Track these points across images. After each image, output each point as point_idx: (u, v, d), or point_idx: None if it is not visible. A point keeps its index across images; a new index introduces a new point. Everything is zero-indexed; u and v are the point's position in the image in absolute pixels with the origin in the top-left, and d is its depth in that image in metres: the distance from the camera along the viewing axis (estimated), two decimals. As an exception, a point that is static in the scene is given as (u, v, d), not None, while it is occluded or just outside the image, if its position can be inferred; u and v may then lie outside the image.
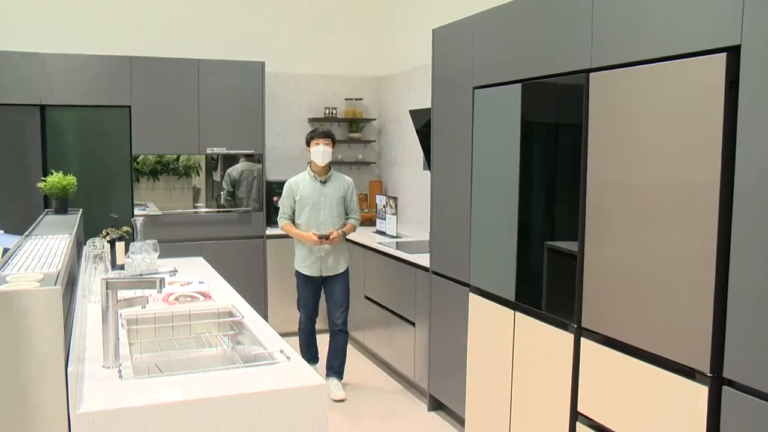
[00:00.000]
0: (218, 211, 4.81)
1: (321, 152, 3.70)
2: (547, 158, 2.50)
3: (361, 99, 5.69)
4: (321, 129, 3.77)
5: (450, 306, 3.28)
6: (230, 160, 4.79)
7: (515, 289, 2.70)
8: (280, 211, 3.81)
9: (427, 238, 3.70)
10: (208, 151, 4.69)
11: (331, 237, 3.67)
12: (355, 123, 5.66)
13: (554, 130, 2.47)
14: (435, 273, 3.43)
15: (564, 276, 2.39)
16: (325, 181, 3.75)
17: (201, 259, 3.64)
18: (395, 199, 4.74)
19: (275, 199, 5.05)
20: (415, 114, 4.40)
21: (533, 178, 2.58)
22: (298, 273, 3.83)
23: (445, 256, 3.31)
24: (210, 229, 4.73)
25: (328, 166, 3.78)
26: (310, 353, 3.89)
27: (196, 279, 2.98)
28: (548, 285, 2.50)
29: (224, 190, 4.78)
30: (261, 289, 4.89)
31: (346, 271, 3.85)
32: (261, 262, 4.87)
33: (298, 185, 3.75)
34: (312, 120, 5.57)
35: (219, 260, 4.63)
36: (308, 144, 3.77)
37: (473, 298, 3.01)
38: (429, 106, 3.51)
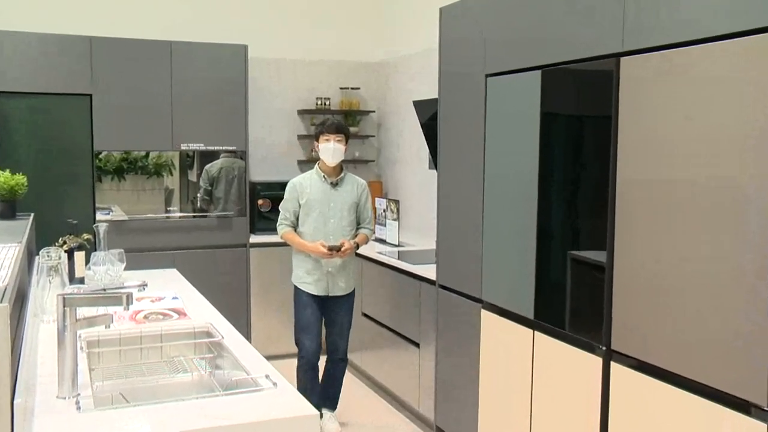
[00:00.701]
0: (195, 216, 4.81)
1: (332, 150, 3.59)
2: (571, 155, 2.50)
3: (358, 88, 5.70)
4: (332, 121, 3.65)
5: (459, 325, 3.29)
6: (208, 157, 4.80)
7: (534, 305, 2.70)
8: (280, 216, 3.70)
9: (433, 247, 3.70)
10: (183, 148, 4.69)
11: (342, 249, 3.56)
12: (350, 116, 5.67)
13: (579, 123, 2.48)
14: (442, 287, 3.43)
15: (590, 290, 2.39)
16: (337, 184, 3.64)
17: (174, 271, 3.64)
18: (397, 202, 4.74)
19: (260, 202, 5.08)
20: (420, 105, 4.42)
21: (555, 177, 2.59)
22: (299, 291, 3.68)
23: (454, 268, 3.32)
24: (185, 236, 4.73)
25: (340, 166, 3.69)
26: (313, 398, 3.61)
27: (169, 294, 2.99)
28: (572, 301, 2.50)
29: (201, 189, 4.78)
30: (243, 306, 4.89)
31: (354, 292, 3.78)
32: (244, 274, 4.87)
33: (304, 187, 3.64)
34: (302, 112, 5.58)
35: (195, 272, 4.62)
36: (317, 139, 3.66)
37: (486, 315, 3.02)
38: (435, 96, 3.49)
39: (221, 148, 4.78)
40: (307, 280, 3.65)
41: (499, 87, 2.89)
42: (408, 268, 3.91)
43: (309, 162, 5.64)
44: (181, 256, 4.65)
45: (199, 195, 4.80)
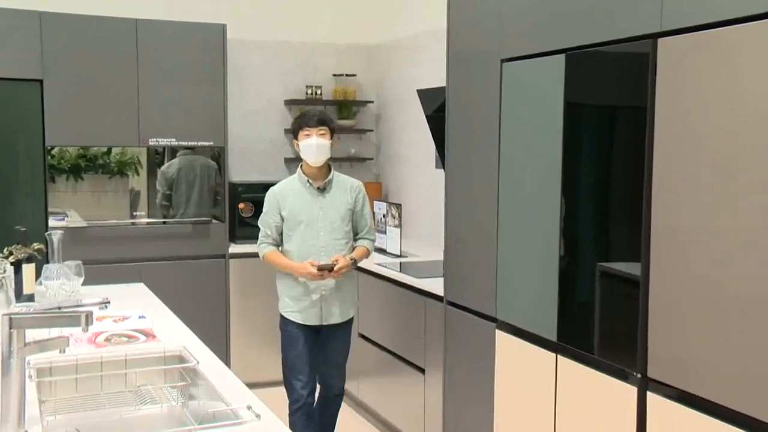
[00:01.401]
0: (165, 223, 4.82)
1: (314, 147, 3.50)
2: (600, 151, 2.51)
3: (354, 75, 5.72)
4: (312, 113, 3.59)
5: (471, 347, 3.29)
6: (189, 156, 4.85)
7: (557, 325, 2.70)
8: (260, 234, 3.61)
9: (441, 258, 3.69)
10: (151, 143, 4.70)
11: (336, 267, 3.46)
12: (346, 107, 5.68)
13: (609, 115, 2.49)
14: (451, 303, 3.45)
15: (623, 309, 2.38)
16: (324, 188, 3.56)
17: (142, 285, 3.65)
18: (399, 206, 4.74)
19: (241, 206, 5.09)
20: (425, 95, 4.40)
21: (581, 178, 2.60)
22: (287, 322, 3.60)
23: (465, 282, 3.33)
24: (154, 245, 4.74)
25: (327, 166, 3.62)
26: None
27: (135, 313, 2.99)
28: (602, 321, 2.50)
29: (159, 194, 4.81)
30: (222, 326, 4.90)
31: (351, 319, 3.70)
32: (222, 289, 4.88)
33: (286, 196, 3.56)
34: (290, 102, 5.59)
35: (166, 287, 4.56)
36: (295, 135, 3.60)
37: (501, 336, 3.02)
38: (443, 84, 3.49)
39: (196, 143, 4.80)
40: (296, 307, 3.57)
41: (517, 74, 2.89)
42: (411, 281, 3.91)
43: (298, 160, 5.64)
44: (149, 269, 4.65)
45: (157, 201, 4.82)
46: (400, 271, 4.11)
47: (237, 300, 4.97)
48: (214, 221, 4.92)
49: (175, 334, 2.68)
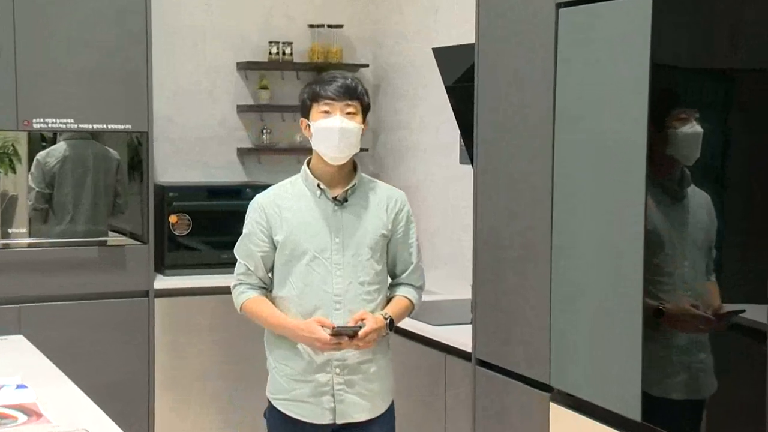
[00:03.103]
0: (57, 243, 4.80)
1: (338, 132, 3.31)
2: (707, 134, 2.47)
3: (339, 26, 5.74)
4: (336, 78, 3.39)
5: (512, 425, 3.30)
6: (79, 142, 4.83)
7: (642, 399, 2.68)
8: (237, 270, 3.47)
9: (467, 296, 3.69)
10: (36, 126, 4.70)
11: (362, 332, 3.24)
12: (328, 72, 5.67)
13: (722, 80, 2.48)
14: (483, 363, 3.46)
15: (741, 375, 2.37)
16: (346, 200, 3.42)
17: (21, 338, 3.61)
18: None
19: (173, 220, 5.07)
20: (444, 55, 4.38)
21: (674, 173, 2.61)
22: (278, 416, 3.43)
23: (503, 332, 3.33)
24: (40, 278, 4.72)
25: (353, 166, 3.47)
26: None
27: (11, 380, 2.95)
28: (713, 392, 2.48)
29: (33, 192, 4.79)
30: (143, 398, 4.86)
31: (391, 411, 3.50)
32: (143, 343, 4.85)
33: (282, 210, 3.38)
34: (246, 66, 5.60)
35: (60, 340, 4.57)
36: (305, 113, 3.42)
37: (559, 412, 3.04)
38: (471, 40, 3.48)
39: (105, 126, 4.77)
40: (295, 393, 3.37)
41: (579, 22, 2.91)
42: (426, 330, 3.88)
43: (260, 152, 5.63)
44: (32, 313, 4.63)
45: (29, 203, 4.80)
46: (410, 315, 4.04)
47: (167, 359, 4.94)
48: (132, 242, 4.90)
49: (71, 411, 2.65)
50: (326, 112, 3.30)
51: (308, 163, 3.41)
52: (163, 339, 4.94)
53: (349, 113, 3.31)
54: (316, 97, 3.33)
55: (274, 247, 3.36)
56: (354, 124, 3.31)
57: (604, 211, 2.83)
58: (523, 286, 3.19)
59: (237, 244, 3.43)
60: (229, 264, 3.54)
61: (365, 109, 3.37)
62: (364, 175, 3.45)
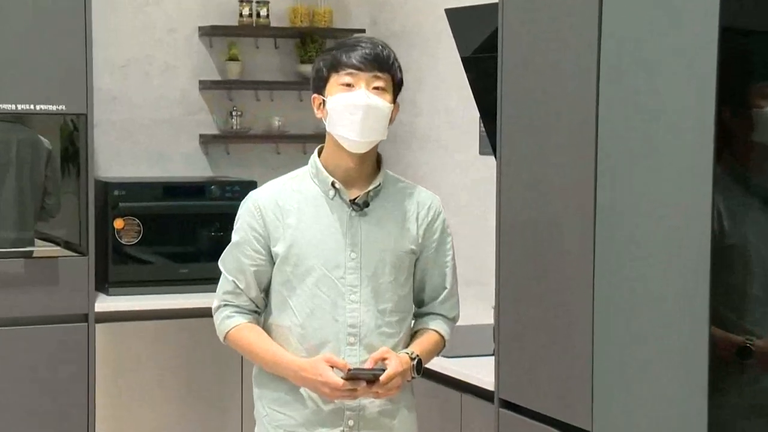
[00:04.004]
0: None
1: (362, 111, 3.30)
2: None
3: (327, -15, 5.80)
4: (361, 43, 3.37)
5: None
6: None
7: None
8: (220, 289, 3.45)
9: (489, 321, 3.74)
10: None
11: (384, 376, 3.23)
12: (313, 41, 5.77)
13: None
14: (507, 404, 3.54)
15: None
16: (366, 203, 3.43)
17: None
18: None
19: (119, 224, 5.10)
20: (460, 20, 4.42)
21: (749, 168, 2.74)
22: None
23: (533, 368, 3.41)
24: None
25: (376, 158, 3.48)
26: None
27: None
28: None
29: None
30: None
31: None
32: (81, 376, 4.87)
33: (285, 212, 3.38)
34: (210, 31, 5.65)
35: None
36: (319, 88, 3.40)
37: None
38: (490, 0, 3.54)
39: (32, 107, 4.81)
40: None
41: None
42: (439, 363, 3.86)
43: (228, 139, 5.66)
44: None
45: None
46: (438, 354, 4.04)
47: (109, 400, 4.95)
48: (67, 253, 4.92)
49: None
50: (348, 84, 3.24)
51: (319, 154, 3.36)
52: (105, 373, 4.94)
53: (376, 88, 3.25)
54: (335, 66, 3.26)
55: (272, 260, 3.32)
56: (383, 102, 3.25)
57: (661, 216, 2.83)
58: (558, 315, 3.22)
59: (223, 254, 3.39)
60: (189, 281, 3.51)
61: (397, 87, 3.32)
62: (389, 172, 3.40)
